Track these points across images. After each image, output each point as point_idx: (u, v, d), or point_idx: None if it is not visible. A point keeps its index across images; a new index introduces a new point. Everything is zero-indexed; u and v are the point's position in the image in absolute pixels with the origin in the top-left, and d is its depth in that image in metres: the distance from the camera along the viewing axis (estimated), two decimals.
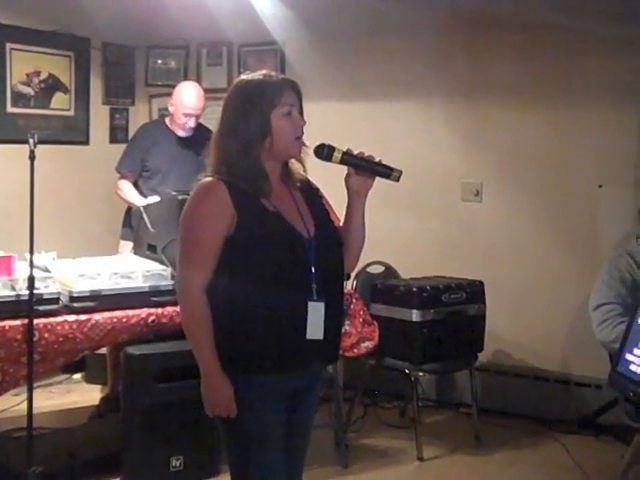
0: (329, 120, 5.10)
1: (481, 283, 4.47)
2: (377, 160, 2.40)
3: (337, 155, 2.38)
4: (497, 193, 4.91)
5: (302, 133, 2.37)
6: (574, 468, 4.01)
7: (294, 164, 2.43)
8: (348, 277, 4.15)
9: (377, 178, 2.42)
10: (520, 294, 4.80)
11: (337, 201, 2.57)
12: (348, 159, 2.39)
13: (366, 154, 2.40)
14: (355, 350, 4.00)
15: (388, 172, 2.39)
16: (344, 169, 2.42)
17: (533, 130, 4.78)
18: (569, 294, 4.64)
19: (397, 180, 2.39)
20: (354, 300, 4.03)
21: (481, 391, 4.63)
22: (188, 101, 4.48)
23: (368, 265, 4.70)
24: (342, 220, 2.49)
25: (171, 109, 4.55)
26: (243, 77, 2.39)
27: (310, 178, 2.49)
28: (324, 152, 2.38)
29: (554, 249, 4.75)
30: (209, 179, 2.32)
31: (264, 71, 2.39)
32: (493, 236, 4.91)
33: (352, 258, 2.50)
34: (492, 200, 4.92)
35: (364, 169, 2.39)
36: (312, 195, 2.47)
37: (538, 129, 4.76)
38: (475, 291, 4.43)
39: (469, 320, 4.38)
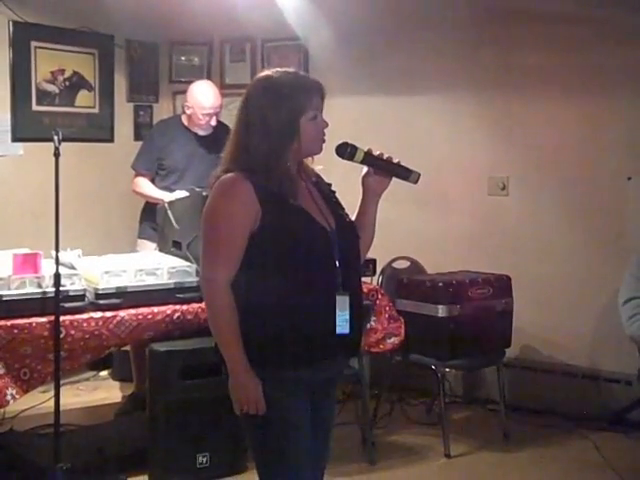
0: (354, 115, 5.09)
1: (508, 278, 4.42)
2: (396, 161, 2.42)
3: (359, 155, 2.39)
4: (524, 187, 4.86)
5: (324, 135, 2.36)
6: (604, 465, 3.96)
7: (307, 159, 2.43)
8: (374, 273, 4.13)
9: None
10: (548, 289, 4.75)
11: (347, 199, 2.55)
12: (369, 159, 2.41)
13: (386, 155, 2.41)
14: (381, 346, 3.99)
15: (407, 174, 2.42)
16: (356, 168, 2.42)
17: (560, 123, 4.72)
18: (597, 288, 4.58)
19: (415, 182, 2.42)
20: (380, 296, 4.01)
21: (509, 387, 4.58)
22: (206, 101, 4.44)
23: (394, 260, 4.67)
24: (354, 217, 2.49)
25: (189, 112, 4.50)
26: (270, 73, 2.35)
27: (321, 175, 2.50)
28: (347, 151, 2.39)
29: (582, 243, 4.69)
30: (232, 174, 2.29)
31: (292, 69, 2.38)
32: (520, 230, 4.86)
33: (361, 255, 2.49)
34: (519, 194, 4.87)
35: (383, 169, 2.42)
36: (326, 189, 2.47)
37: (565, 122, 4.70)
38: (502, 286, 4.39)
39: (496, 315, 4.33)
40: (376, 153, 2.41)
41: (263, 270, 2.27)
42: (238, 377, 2.29)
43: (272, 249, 2.26)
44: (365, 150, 2.40)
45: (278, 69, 2.37)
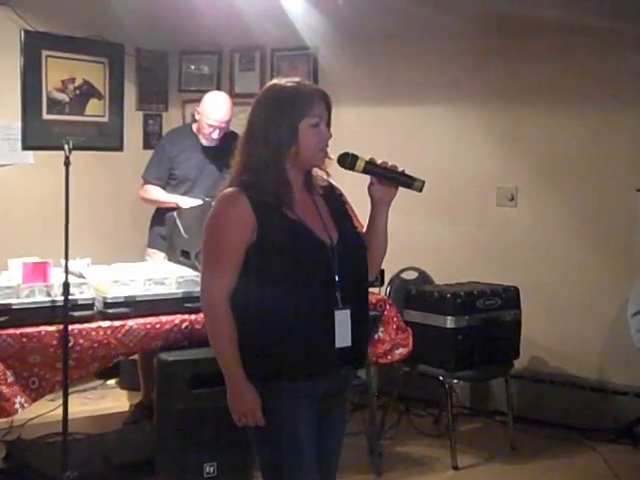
0: (362, 125, 5.10)
1: (516, 289, 4.41)
2: (400, 170, 2.39)
3: (360, 164, 2.37)
4: (532, 198, 4.85)
5: (327, 145, 2.36)
6: (612, 478, 3.94)
7: (317, 171, 2.42)
8: (382, 283, 4.13)
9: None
10: (556, 300, 4.74)
11: (361, 209, 2.54)
12: (371, 168, 2.38)
13: (390, 163, 2.39)
14: (389, 357, 3.98)
15: (410, 182, 2.38)
16: (368, 177, 2.41)
17: (569, 133, 4.71)
18: (606, 300, 4.57)
19: (420, 190, 2.38)
20: (388, 306, 4.00)
21: (517, 399, 4.58)
22: (214, 113, 4.42)
23: (402, 271, 4.67)
24: (365, 227, 2.49)
25: (197, 117, 4.50)
26: (275, 82, 2.38)
27: (334, 183, 2.49)
28: (347, 161, 2.37)
29: (590, 254, 4.68)
30: (230, 189, 2.32)
31: (297, 78, 2.39)
32: (528, 241, 4.85)
33: (374, 265, 2.48)
34: (527, 205, 4.87)
35: (387, 179, 2.39)
36: (335, 200, 2.46)
37: (574, 132, 4.70)
38: (510, 297, 4.38)
39: (504, 326, 4.33)
40: (379, 162, 2.38)
41: (261, 283, 2.27)
42: (235, 388, 2.30)
43: (268, 263, 2.26)
44: (366, 159, 2.37)
45: (284, 78, 2.39)
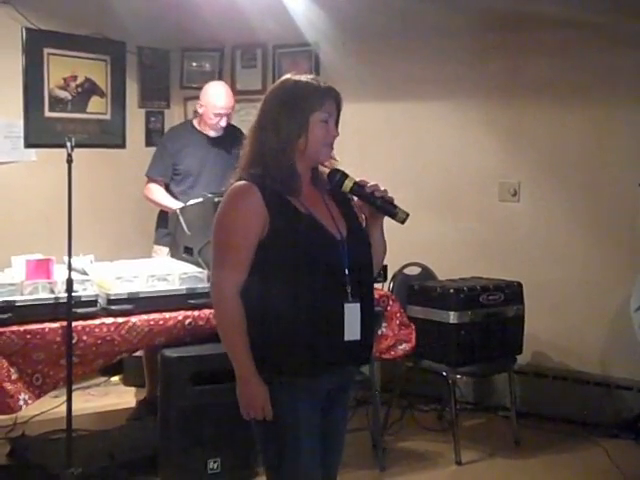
0: (364, 121, 5.09)
1: (519, 284, 4.41)
2: (387, 197, 2.39)
3: (348, 184, 2.39)
4: (535, 193, 4.85)
5: (332, 143, 2.38)
6: (615, 472, 3.95)
7: (324, 168, 2.44)
8: (385, 279, 4.13)
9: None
10: (559, 295, 4.74)
11: None
12: (357, 190, 2.40)
13: (382, 188, 2.39)
14: (392, 352, 3.98)
15: (393, 212, 2.39)
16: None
17: (571, 129, 4.71)
18: (609, 295, 4.57)
19: (402, 222, 2.39)
20: (391, 302, 4.01)
21: (520, 394, 4.58)
22: (218, 101, 4.46)
23: (405, 267, 4.67)
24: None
25: (201, 110, 4.53)
26: (289, 76, 2.41)
27: None
28: (336, 178, 2.40)
29: (593, 249, 4.68)
30: (242, 182, 2.33)
31: (311, 75, 2.44)
32: (531, 236, 4.85)
33: (374, 266, 2.49)
34: (530, 200, 4.86)
35: (370, 204, 2.40)
36: (342, 197, 2.47)
37: (576, 128, 4.70)
38: (513, 292, 4.38)
39: (507, 322, 4.33)
40: (369, 184, 2.39)
41: (271, 277, 2.29)
42: (245, 382, 2.31)
43: (280, 256, 2.28)
44: (355, 180, 2.39)
45: (298, 74, 2.41)
